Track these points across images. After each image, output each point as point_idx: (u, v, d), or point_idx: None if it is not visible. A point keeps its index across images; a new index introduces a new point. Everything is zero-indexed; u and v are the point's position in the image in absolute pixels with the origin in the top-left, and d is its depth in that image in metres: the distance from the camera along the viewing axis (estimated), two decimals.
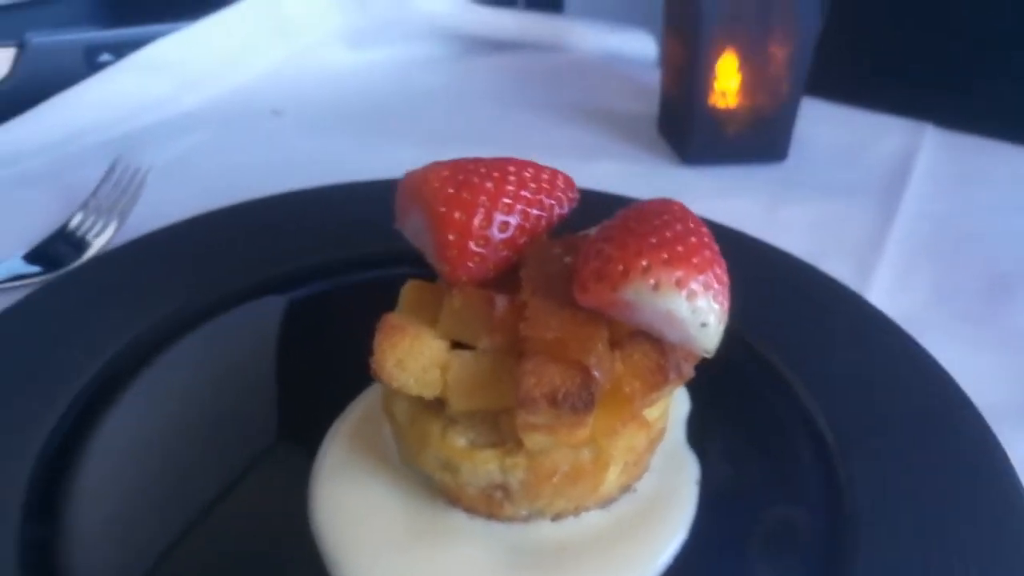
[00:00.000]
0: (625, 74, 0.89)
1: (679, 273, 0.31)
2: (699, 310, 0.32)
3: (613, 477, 0.37)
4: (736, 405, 0.44)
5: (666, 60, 0.74)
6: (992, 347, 0.52)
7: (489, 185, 0.34)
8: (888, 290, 0.57)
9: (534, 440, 0.33)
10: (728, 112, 0.70)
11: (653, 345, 0.34)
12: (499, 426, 0.35)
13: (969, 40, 0.89)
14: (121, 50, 0.76)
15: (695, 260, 0.32)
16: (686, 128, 0.71)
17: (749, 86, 0.69)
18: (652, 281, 0.31)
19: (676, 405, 0.43)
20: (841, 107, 0.83)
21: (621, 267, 0.32)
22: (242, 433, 0.43)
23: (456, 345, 0.35)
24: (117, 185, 0.61)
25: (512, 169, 0.35)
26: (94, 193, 0.60)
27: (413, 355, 0.34)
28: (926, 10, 0.89)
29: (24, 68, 0.73)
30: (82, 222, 0.58)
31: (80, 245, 0.57)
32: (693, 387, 0.45)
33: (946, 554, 0.35)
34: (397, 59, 0.90)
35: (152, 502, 0.39)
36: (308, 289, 0.52)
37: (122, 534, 0.37)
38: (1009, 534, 0.36)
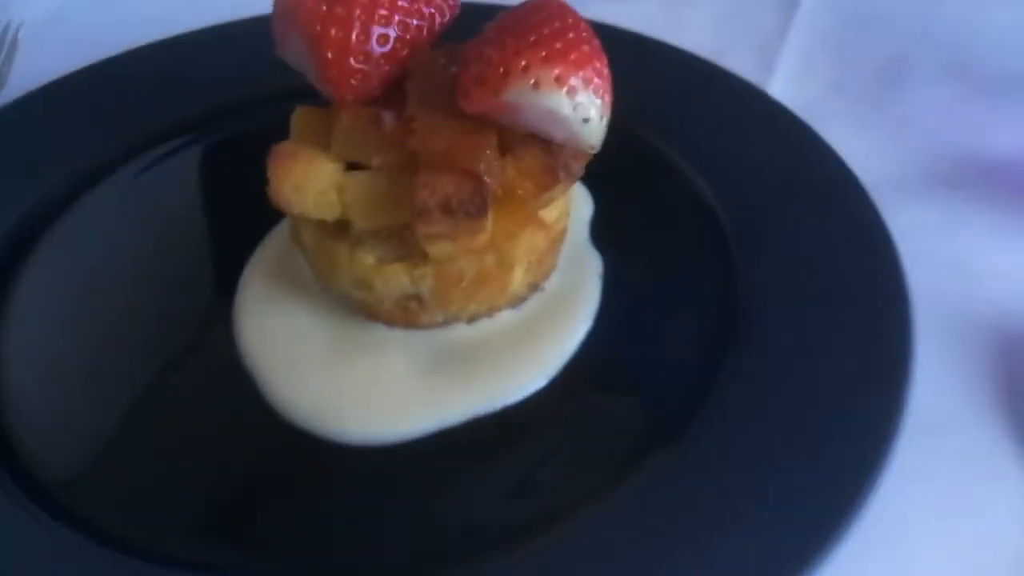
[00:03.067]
0: None
1: (557, 70, 0.32)
2: (580, 106, 0.32)
3: (519, 278, 0.39)
4: (637, 203, 0.46)
5: None
6: (883, 127, 0.55)
7: None
8: (791, 81, 0.58)
9: (437, 249, 0.34)
10: None
11: (542, 147, 0.35)
12: (405, 240, 0.36)
13: None
14: None
15: (573, 56, 0.32)
16: None
17: None
18: (532, 80, 0.32)
19: (579, 207, 0.44)
20: None
21: (501, 69, 0.32)
22: (163, 275, 0.44)
23: (354, 166, 0.36)
24: None
25: None
26: None
27: (309, 179, 0.35)
28: None
29: None
30: None
31: None
32: (597, 189, 0.47)
33: (826, 328, 0.38)
34: None
35: (79, 349, 0.40)
36: (214, 134, 0.51)
37: (48, 379, 0.39)
38: (884, 299, 0.39)
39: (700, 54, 0.58)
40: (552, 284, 0.42)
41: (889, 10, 0.66)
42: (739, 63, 0.60)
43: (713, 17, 0.65)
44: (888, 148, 0.53)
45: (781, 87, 0.58)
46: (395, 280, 0.37)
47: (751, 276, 0.40)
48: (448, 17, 0.37)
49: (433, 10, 0.36)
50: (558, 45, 0.32)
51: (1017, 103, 0.56)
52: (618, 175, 0.42)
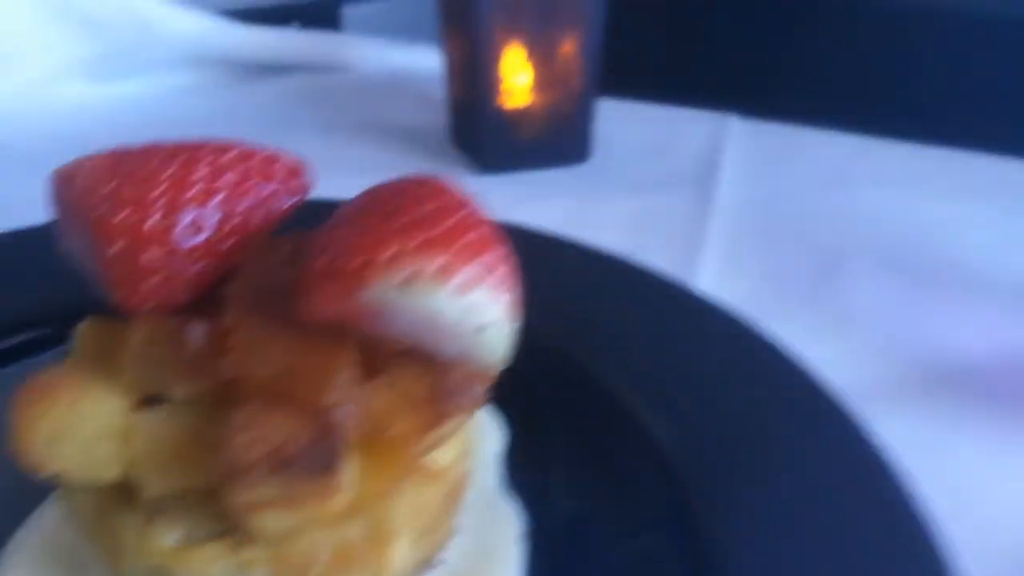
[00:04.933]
0: (412, 89, 0.81)
1: (440, 260, 0.22)
2: (473, 308, 0.23)
3: (402, 553, 0.27)
4: (563, 434, 0.36)
5: (448, 63, 0.67)
6: (830, 328, 0.48)
7: (171, 171, 0.24)
8: (717, 280, 0.52)
9: (267, 522, 0.23)
10: (520, 112, 0.63)
11: (426, 366, 0.25)
12: (223, 508, 0.24)
13: (757, 30, 0.88)
14: None
15: (461, 242, 0.23)
16: (478, 134, 0.64)
17: (540, 82, 0.63)
18: (403, 274, 0.22)
19: (482, 442, 0.34)
20: (643, 105, 0.79)
21: (360, 259, 0.22)
22: None
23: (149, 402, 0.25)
24: None
25: (208, 150, 0.26)
26: None
27: (72, 424, 0.23)
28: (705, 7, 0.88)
29: None
30: None
31: None
32: (509, 417, 0.37)
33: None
34: (153, 89, 0.78)
35: None
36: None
37: None
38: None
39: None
40: (452, 555, 0.30)
41: (808, 204, 0.62)
42: (660, 263, 0.53)
43: (631, 214, 0.59)
44: (836, 354, 0.45)
45: (707, 286, 0.51)
46: (209, 569, 0.24)
47: (724, 538, 0.29)
48: (294, 199, 0.28)
49: (274, 188, 0.27)
50: (440, 228, 0.23)
51: (958, 298, 0.51)
52: (536, 398, 0.32)
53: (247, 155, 0.26)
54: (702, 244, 0.55)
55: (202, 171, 0.25)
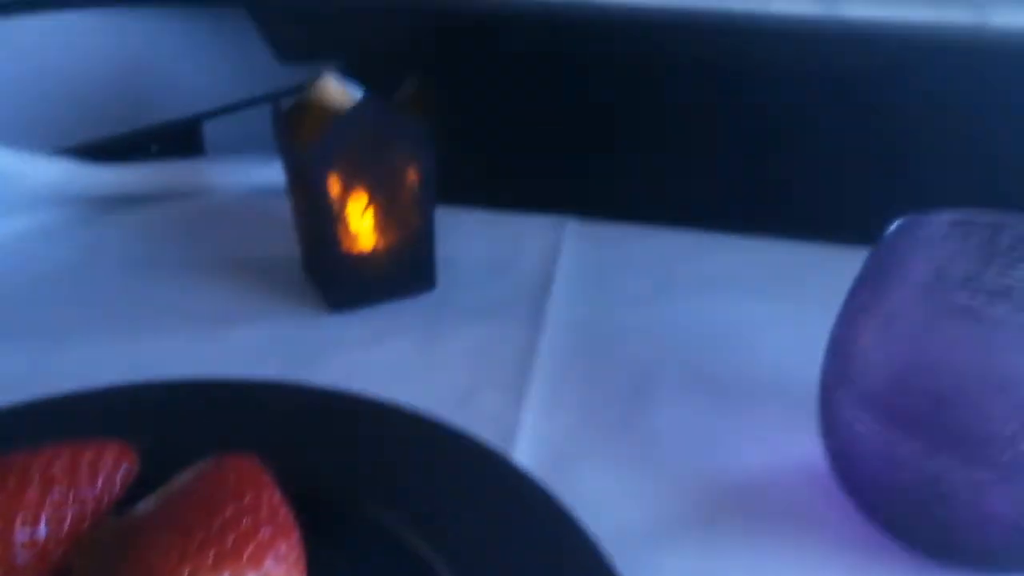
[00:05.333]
0: (271, 210, 0.85)
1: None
2: None
3: None
4: None
5: (294, 208, 0.72)
6: (636, 458, 0.54)
7: (2, 497, 0.29)
8: (540, 417, 0.58)
9: None
10: (366, 255, 0.69)
11: None
12: None
13: (590, 128, 0.96)
14: None
15: (251, 547, 0.29)
16: (326, 277, 0.69)
17: (382, 222, 0.69)
18: None
19: None
20: (485, 213, 0.85)
21: None
22: None
23: None
24: None
25: (39, 464, 0.31)
26: None
27: None
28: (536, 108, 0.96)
29: None
30: None
31: None
32: None
33: None
34: (12, 236, 0.80)
35: None
36: None
37: None
38: None
39: (453, 395, 0.58)
40: None
41: (631, 320, 0.69)
42: (491, 400, 0.60)
43: (465, 352, 0.65)
44: (640, 484, 0.52)
45: (532, 422, 0.57)
46: None
47: None
48: (125, 481, 0.33)
49: (102, 480, 0.32)
50: (231, 538, 0.28)
51: (758, 411, 0.58)
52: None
53: (76, 455, 0.32)
54: (530, 376, 0.62)
55: (32, 493, 0.29)
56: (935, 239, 0.48)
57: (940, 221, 0.48)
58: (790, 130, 0.93)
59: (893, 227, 0.46)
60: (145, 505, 0.31)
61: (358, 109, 0.63)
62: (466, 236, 0.80)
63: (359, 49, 1.05)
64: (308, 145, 0.64)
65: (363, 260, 0.69)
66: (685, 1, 0.78)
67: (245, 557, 0.28)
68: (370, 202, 0.68)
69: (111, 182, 0.82)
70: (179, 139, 0.95)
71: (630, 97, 0.91)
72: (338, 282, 0.69)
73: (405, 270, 0.70)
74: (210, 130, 0.98)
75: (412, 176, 0.68)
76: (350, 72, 0.72)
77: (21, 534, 0.29)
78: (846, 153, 0.90)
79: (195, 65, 0.97)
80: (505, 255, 0.79)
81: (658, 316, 0.70)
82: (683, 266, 0.78)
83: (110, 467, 0.32)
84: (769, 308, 0.70)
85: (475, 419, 0.53)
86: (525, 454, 0.54)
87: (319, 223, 0.67)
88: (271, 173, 0.90)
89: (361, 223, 0.68)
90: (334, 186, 0.65)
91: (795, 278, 0.74)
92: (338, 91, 0.69)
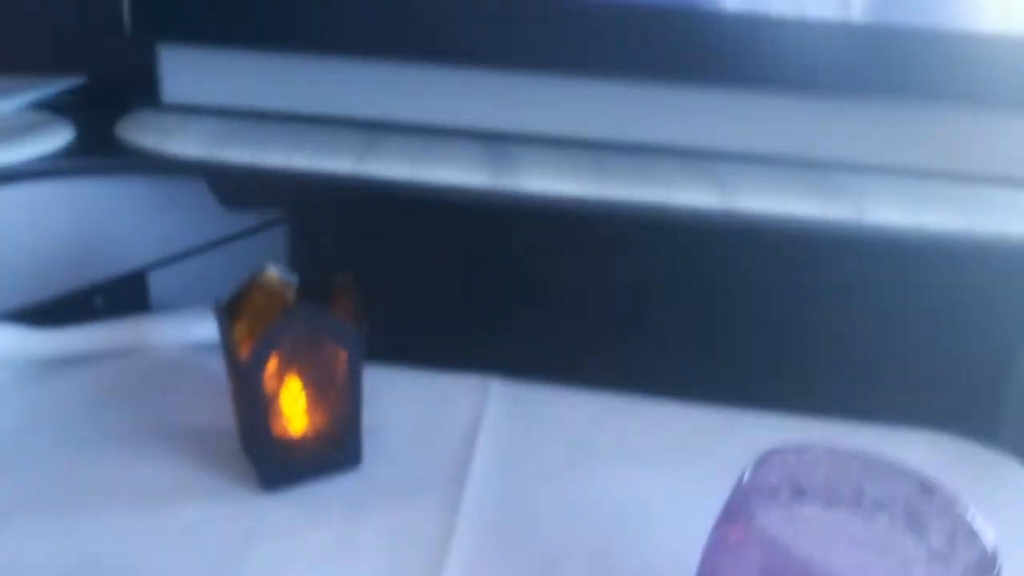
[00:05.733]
0: (211, 373, 0.89)
1: None
2: None
3: None
4: None
5: (231, 389, 0.77)
6: None
7: None
8: None
9: None
10: (298, 438, 0.74)
11: None
12: None
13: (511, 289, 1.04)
14: None
15: None
16: (261, 457, 0.74)
17: (313, 408, 0.74)
18: None
19: None
20: (409, 374, 0.90)
21: None
22: None
23: None
24: None
25: None
26: None
27: None
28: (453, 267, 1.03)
29: None
30: None
31: None
32: None
33: None
34: None
35: None
36: None
37: None
38: None
39: None
40: None
41: (544, 495, 0.75)
42: None
43: (388, 532, 0.70)
44: None
45: None
46: None
47: None
48: None
49: None
50: None
51: None
52: None
53: None
54: (446, 562, 0.67)
55: None
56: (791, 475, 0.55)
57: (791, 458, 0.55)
58: (700, 298, 1.02)
59: (752, 465, 0.54)
60: None
61: (291, 313, 0.69)
62: (393, 399, 0.85)
63: (299, 201, 1.11)
64: (246, 343, 0.69)
65: (295, 443, 0.74)
66: (601, 192, 0.87)
67: None
68: (303, 388, 0.73)
69: (51, 347, 0.86)
70: (124, 291, 0.99)
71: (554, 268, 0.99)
72: (271, 463, 0.73)
73: (335, 449, 0.75)
74: (155, 280, 1.02)
75: (342, 364, 0.73)
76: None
77: None
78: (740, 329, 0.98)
79: (141, 218, 1.02)
80: (430, 421, 0.84)
81: (571, 493, 0.76)
82: (599, 434, 0.84)
83: None
84: (678, 480, 0.76)
85: None
86: None
87: (254, 411, 0.71)
88: (212, 329, 0.95)
89: (294, 408, 0.74)
90: (270, 380, 0.70)
91: (705, 448, 0.81)
92: (279, 282, 0.75)
